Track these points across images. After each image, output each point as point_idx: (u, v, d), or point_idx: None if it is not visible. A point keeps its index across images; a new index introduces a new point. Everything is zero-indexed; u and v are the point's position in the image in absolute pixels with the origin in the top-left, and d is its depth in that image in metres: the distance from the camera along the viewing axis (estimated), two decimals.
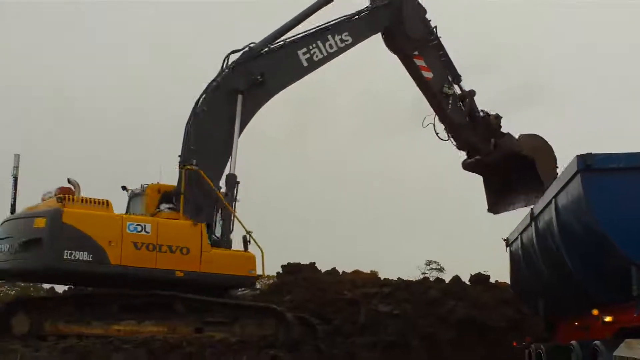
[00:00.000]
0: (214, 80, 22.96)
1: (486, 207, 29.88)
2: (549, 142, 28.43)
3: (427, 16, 27.41)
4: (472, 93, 28.24)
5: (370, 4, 26.13)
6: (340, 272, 32.81)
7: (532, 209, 17.64)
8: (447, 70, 27.86)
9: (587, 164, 13.35)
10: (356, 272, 31.49)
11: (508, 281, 23.88)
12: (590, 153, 13.42)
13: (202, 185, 22.10)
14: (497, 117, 28.66)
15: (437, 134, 28.19)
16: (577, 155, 13.52)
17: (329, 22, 25.19)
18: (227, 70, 23.17)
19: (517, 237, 19.79)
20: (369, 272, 31.99)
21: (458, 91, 28.15)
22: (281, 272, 30.61)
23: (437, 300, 26.44)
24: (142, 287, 21.37)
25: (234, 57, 23.50)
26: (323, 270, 32.02)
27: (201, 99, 22.68)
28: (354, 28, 25.58)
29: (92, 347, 19.59)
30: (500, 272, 27.85)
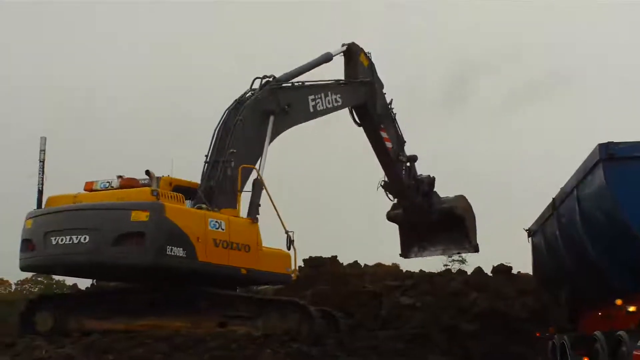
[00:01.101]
0: (246, 97, 23.96)
1: (399, 252, 32.32)
2: None
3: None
4: (414, 158, 31.30)
5: (345, 77, 28.27)
6: (362, 265, 32.91)
7: (553, 199, 17.58)
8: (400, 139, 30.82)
9: (608, 152, 13.33)
10: (378, 265, 31.53)
11: (530, 272, 23.86)
12: (612, 142, 13.39)
13: (258, 184, 22.46)
14: (432, 179, 31.71)
15: (387, 194, 31.10)
16: (599, 144, 13.49)
17: (329, 80, 27.25)
18: (261, 91, 24.12)
19: (539, 228, 19.76)
20: (390, 264, 32.04)
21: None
22: (303, 265, 30.68)
23: (460, 292, 26.47)
24: (215, 284, 21.46)
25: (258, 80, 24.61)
26: (345, 264, 32.11)
27: (240, 110, 23.34)
28: (344, 94, 27.63)
29: (115, 342, 19.61)
30: (522, 263, 27.88)
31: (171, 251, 19.50)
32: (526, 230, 21.80)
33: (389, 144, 30.04)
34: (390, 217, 32.22)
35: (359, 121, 29.35)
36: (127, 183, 20.81)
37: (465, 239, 31.38)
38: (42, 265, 21.37)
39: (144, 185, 20.76)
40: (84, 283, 29.49)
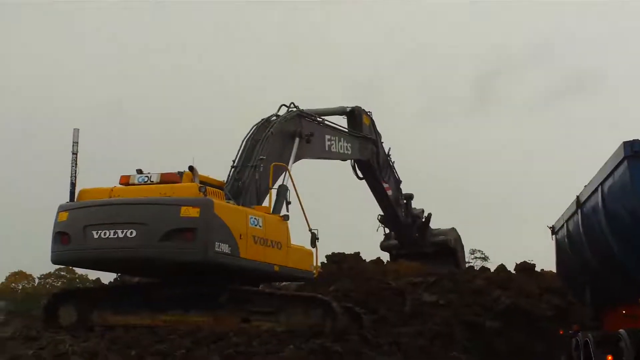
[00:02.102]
0: (274, 119, 25.16)
1: None
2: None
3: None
4: (411, 196, 34.28)
5: (348, 129, 30.07)
6: (385, 261, 32.99)
7: (577, 196, 17.51)
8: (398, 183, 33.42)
9: (633, 150, 13.26)
10: (401, 262, 31.55)
11: (554, 269, 23.79)
12: (637, 139, 13.32)
13: (284, 186, 23.08)
14: (428, 216, 34.56)
15: (384, 229, 34.55)
16: (624, 142, 13.43)
17: (344, 127, 29.58)
18: (288, 113, 25.62)
19: (563, 225, 19.69)
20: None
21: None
22: (326, 261, 30.72)
23: (483, 289, 26.44)
24: (251, 281, 21.71)
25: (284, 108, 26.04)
26: (367, 260, 32.15)
27: (271, 125, 24.55)
28: (354, 145, 29.82)
29: (138, 337, 19.65)
30: (545, 260, 27.91)
31: (219, 248, 19.57)
32: (550, 228, 21.72)
33: (389, 192, 32.58)
34: (384, 247, 35.13)
35: (361, 175, 31.81)
36: (168, 178, 20.73)
37: (457, 268, 33.19)
38: (80, 259, 21.29)
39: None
40: (107, 277, 29.60)
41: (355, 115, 30.65)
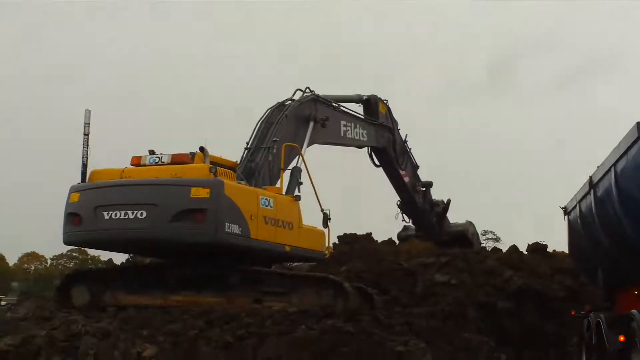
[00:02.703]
0: (289, 103, 25.19)
1: None
2: None
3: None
4: (430, 184, 34.10)
5: (365, 116, 30.30)
6: (397, 242, 33.00)
7: (590, 177, 17.46)
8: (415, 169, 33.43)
9: None
10: (412, 241, 31.55)
11: (566, 250, 23.75)
12: None
13: (298, 168, 23.15)
14: (447, 202, 34.50)
15: (403, 216, 33.84)
16: (637, 122, 13.37)
17: (360, 114, 29.78)
18: (304, 96, 25.61)
19: (576, 206, 19.63)
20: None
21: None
22: (337, 242, 30.74)
23: (495, 270, 26.45)
24: (262, 261, 21.76)
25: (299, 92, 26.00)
26: (379, 241, 32.17)
27: (285, 108, 24.66)
28: (370, 132, 29.87)
29: (151, 318, 19.72)
30: (557, 241, 27.85)
31: (229, 228, 19.58)
32: (562, 208, 21.67)
33: (406, 179, 32.63)
34: (401, 238, 34.40)
35: (378, 163, 31.86)
36: (179, 159, 20.74)
37: None
38: (91, 239, 21.37)
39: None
40: (119, 258, 29.71)
41: (372, 104, 30.70)
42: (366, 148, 30.93)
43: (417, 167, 33.43)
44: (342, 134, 27.64)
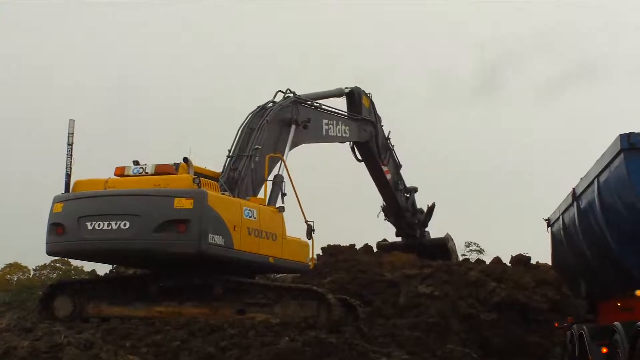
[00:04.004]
0: (269, 106, 25.01)
1: None
2: None
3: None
4: (415, 189, 34.40)
5: (348, 112, 30.18)
6: (374, 250, 33.05)
7: (573, 188, 17.51)
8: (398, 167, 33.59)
9: (630, 142, 13.23)
10: (396, 254, 31.54)
11: (549, 262, 23.79)
12: (634, 132, 13.30)
13: (280, 175, 23.12)
14: (431, 206, 34.81)
15: (385, 218, 34.08)
16: (620, 134, 13.41)
17: (342, 111, 29.56)
18: (285, 100, 25.43)
19: (559, 217, 19.67)
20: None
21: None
22: (321, 253, 30.73)
23: (478, 282, 26.45)
24: (246, 272, 21.70)
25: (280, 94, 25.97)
26: (363, 252, 32.15)
27: (266, 113, 24.45)
28: (352, 128, 29.88)
29: (134, 329, 19.67)
30: (541, 253, 27.94)
31: (213, 239, 19.58)
32: (545, 220, 21.72)
33: (388, 176, 32.67)
34: (380, 247, 34.32)
35: (360, 157, 31.84)
36: (163, 169, 20.74)
37: None
38: (74, 250, 21.33)
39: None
40: (102, 269, 29.61)
41: (355, 96, 30.78)
42: (348, 143, 31.01)
43: (400, 166, 33.56)
44: (324, 133, 27.64)
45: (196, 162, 21.07)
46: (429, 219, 34.88)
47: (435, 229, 35.31)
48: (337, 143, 30.05)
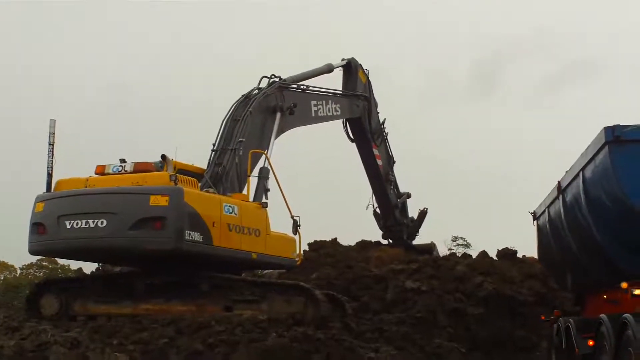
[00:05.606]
0: (254, 94, 24.77)
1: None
2: None
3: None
4: (408, 195, 34.26)
5: (343, 90, 30.26)
6: (355, 243, 32.98)
7: (559, 181, 17.53)
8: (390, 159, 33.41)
9: (614, 135, 13.25)
10: (383, 248, 31.54)
11: (535, 255, 23.82)
12: (618, 125, 13.32)
13: (265, 170, 22.92)
14: (423, 209, 34.50)
15: (374, 208, 33.52)
16: (605, 127, 13.42)
17: (331, 89, 29.24)
18: (269, 87, 25.12)
19: (545, 211, 19.69)
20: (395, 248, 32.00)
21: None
22: (308, 249, 30.68)
23: (465, 276, 26.45)
24: (227, 268, 21.58)
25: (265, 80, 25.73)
26: (345, 244, 32.11)
27: (250, 103, 24.12)
28: (343, 104, 29.62)
29: (121, 327, 19.64)
30: (527, 246, 27.94)
31: (190, 236, 19.58)
32: (531, 213, 21.74)
33: (379, 162, 32.34)
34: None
35: (352, 136, 31.59)
36: (142, 167, 20.76)
37: None
38: (55, 249, 21.41)
39: (158, 169, 20.81)
40: (89, 267, 29.54)
41: (352, 68, 30.68)
42: (341, 120, 30.79)
43: (394, 161, 33.37)
44: (313, 115, 27.49)
45: (188, 160, 21.19)
46: (420, 226, 34.57)
47: (423, 229, 35.19)
48: (329, 122, 29.72)
